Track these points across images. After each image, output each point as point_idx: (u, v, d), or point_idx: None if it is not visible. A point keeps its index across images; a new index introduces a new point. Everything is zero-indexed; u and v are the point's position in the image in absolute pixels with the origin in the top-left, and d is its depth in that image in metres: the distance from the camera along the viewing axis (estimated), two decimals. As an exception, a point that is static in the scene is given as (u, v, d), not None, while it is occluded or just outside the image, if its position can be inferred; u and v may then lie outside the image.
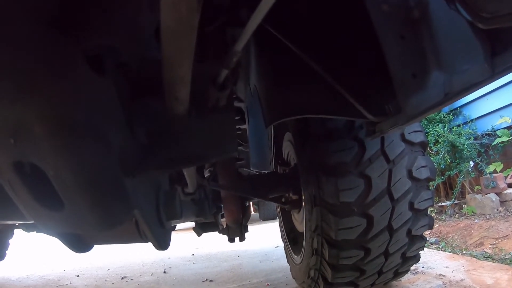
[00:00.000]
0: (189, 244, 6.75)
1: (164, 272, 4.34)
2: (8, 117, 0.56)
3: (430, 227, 1.88)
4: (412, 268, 2.92)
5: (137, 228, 0.96)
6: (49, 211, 0.68)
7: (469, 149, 6.09)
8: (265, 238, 6.45)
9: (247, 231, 2.60)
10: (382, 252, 1.80)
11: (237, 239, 2.65)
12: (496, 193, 5.60)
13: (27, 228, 1.75)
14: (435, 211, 6.28)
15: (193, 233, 3.06)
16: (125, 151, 0.73)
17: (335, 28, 1.33)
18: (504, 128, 6.05)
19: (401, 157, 1.69)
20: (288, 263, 2.76)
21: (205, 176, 2.33)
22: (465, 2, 0.73)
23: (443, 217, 6.01)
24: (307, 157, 1.79)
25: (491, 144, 6.16)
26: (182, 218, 1.12)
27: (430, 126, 6.76)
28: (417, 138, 1.76)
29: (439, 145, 6.40)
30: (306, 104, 1.42)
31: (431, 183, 5.52)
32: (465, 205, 6.00)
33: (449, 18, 1.00)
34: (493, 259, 3.63)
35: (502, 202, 5.55)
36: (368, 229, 1.70)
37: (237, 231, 2.54)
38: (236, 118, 2.75)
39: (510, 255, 3.62)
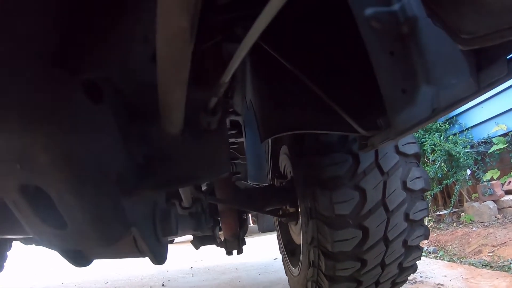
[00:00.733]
0: (188, 257, 6.74)
1: (163, 285, 4.34)
2: (14, 145, 0.60)
3: (426, 237, 1.89)
4: (410, 277, 2.93)
5: (135, 243, 0.99)
6: (52, 229, 0.72)
7: (465, 157, 6.13)
8: (264, 250, 6.44)
9: (245, 244, 2.61)
10: (378, 263, 1.81)
11: (234, 252, 2.66)
12: (493, 201, 5.63)
13: (26, 241, 1.77)
14: (433, 220, 6.30)
15: (191, 246, 3.07)
16: (122, 172, 0.77)
17: (327, 46, 1.36)
18: (500, 135, 6.10)
19: (395, 169, 1.71)
20: (286, 275, 2.77)
21: (202, 190, 2.34)
22: (445, 24, 0.76)
23: (441, 226, 6.02)
24: (303, 170, 1.81)
25: (487, 152, 6.20)
26: (178, 233, 1.15)
27: (427, 136, 6.80)
28: (411, 149, 1.78)
29: (435, 154, 6.43)
30: (300, 119, 1.44)
31: (428, 192, 5.53)
32: (463, 213, 6.02)
33: (436, 33, 1.03)
34: (491, 267, 3.64)
35: (500, 209, 5.57)
36: (363, 240, 1.71)
37: (234, 244, 2.54)
38: (233, 131, 2.77)
39: (508, 262, 3.63)
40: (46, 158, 0.61)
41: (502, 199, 5.58)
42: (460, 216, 6.06)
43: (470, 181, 6.24)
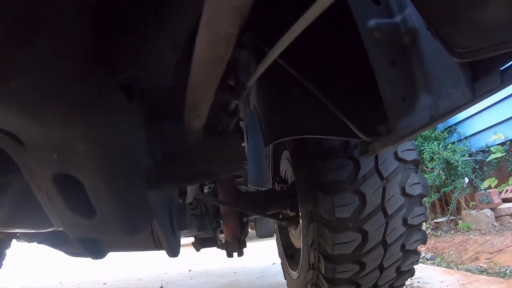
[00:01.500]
0: (186, 260, 6.75)
1: (161, 287, 4.36)
2: (54, 136, 0.65)
3: (424, 241, 1.93)
4: (407, 283, 2.97)
5: (152, 236, 1.05)
6: (81, 218, 0.77)
7: (464, 165, 6.17)
8: (262, 255, 6.46)
9: (245, 246, 2.65)
10: (377, 266, 1.85)
11: (235, 254, 2.70)
12: (491, 209, 5.66)
13: (29, 238, 1.81)
14: (431, 227, 6.33)
15: (190, 249, 3.10)
16: (147, 167, 0.83)
17: (331, 53, 1.41)
18: (498, 144, 6.14)
19: (395, 175, 1.76)
20: (285, 279, 2.80)
21: (205, 192, 2.39)
22: (442, 38, 0.81)
23: (439, 233, 6.05)
24: (304, 175, 1.85)
25: (485, 161, 6.24)
26: (190, 229, 1.20)
27: (426, 144, 6.84)
28: (410, 156, 1.82)
29: (434, 162, 6.47)
30: (303, 125, 1.49)
31: (426, 200, 5.51)
32: (461, 221, 6.06)
33: (435, 45, 1.07)
34: (488, 273, 3.67)
35: (497, 217, 5.61)
36: (363, 243, 1.75)
37: (235, 246, 2.59)
38: (240, 136, 2.81)
39: (504, 269, 3.67)
40: (83, 149, 0.66)
41: (500, 207, 5.61)
42: (457, 224, 6.09)
43: (468, 189, 6.28)
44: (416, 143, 6.84)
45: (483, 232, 5.35)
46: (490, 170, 6.22)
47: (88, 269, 6.21)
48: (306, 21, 0.50)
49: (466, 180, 6.22)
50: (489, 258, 4.23)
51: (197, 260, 6.51)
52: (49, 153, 0.66)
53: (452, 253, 4.90)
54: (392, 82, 1.14)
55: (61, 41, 0.57)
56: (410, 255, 1.91)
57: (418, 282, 3.39)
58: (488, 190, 5.82)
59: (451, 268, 4.17)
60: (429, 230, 6.20)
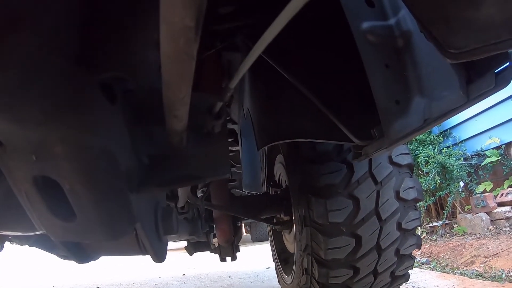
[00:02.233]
0: (180, 264, 6.73)
1: (156, 292, 4.34)
2: (32, 137, 0.63)
3: (418, 246, 1.92)
4: (402, 287, 2.95)
5: (137, 240, 1.03)
6: (61, 221, 0.75)
7: (459, 169, 6.18)
8: (256, 259, 6.44)
9: (239, 251, 2.63)
10: (371, 271, 1.83)
11: (228, 258, 2.68)
12: (486, 212, 5.67)
13: (21, 241, 1.79)
14: (426, 231, 6.33)
15: (184, 253, 3.08)
16: (130, 170, 0.81)
17: (324, 57, 1.39)
18: (493, 148, 6.16)
19: (389, 179, 1.74)
20: (279, 283, 2.79)
21: (198, 196, 2.37)
22: (435, 39, 0.79)
23: (434, 237, 6.05)
24: (298, 179, 1.84)
25: (480, 164, 6.25)
26: (177, 234, 1.18)
27: (421, 148, 6.85)
28: (404, 160, 1.81)
29: (429, 166, 6.48)
30: (296, 128, 1.48)
31: (421, 204, 5.53)
32: (456, 225, 6.06)
33: (429, 48, 1.06)
34: (483, 277, 3.67)
35: (492, 221, 5.61)
36: (356, 248, 1.74)
37: (228, 250, 2.57)
38: (229, 140, 2.80)
39: (500, 273, 3.66)
40: (61, 151, 0.64)
41: (495, 211, 5.62)
42: (453, 228, 6.09)
43: (463, 193, 6.28)
44: (411, 147, 6.85)
45: (478, 236, 5.35)
46: (485, 174, 6.23)
47: (82, 272, 6.18)
48: (286, 17, 0.49)
49: (461, 184, 6.23)
50: (484, 262, 4.22)
51: (191, 264, 6.49)
52: (27, 155, 0.65)
53: (447, 257, 4.89)
54: (386, 85, 1.13)
55: (38, 39, 0.55)
56: (405, 260, 1.90)
57: (413, 287, 3.38)
58: (483, 194, 5.83)
59: (446, 272, 4.16)
60: (424, 234, 6.20)
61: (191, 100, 0.67)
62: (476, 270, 4.01)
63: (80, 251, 1.04)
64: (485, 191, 6.04)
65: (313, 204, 1.72)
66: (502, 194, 5.76)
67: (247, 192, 3.01)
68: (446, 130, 7.11)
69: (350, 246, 1.73)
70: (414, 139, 6.55)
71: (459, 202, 6.41)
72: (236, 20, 1.51)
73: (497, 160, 5.98)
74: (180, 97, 0.62)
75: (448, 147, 6.76)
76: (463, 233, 5.73)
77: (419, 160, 6.66)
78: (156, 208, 1.03)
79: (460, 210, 6.31)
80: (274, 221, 2.50)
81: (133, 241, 1.03)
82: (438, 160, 6.31)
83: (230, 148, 2.96)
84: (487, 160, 6.08)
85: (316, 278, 1.84)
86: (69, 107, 0.63)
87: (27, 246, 1.72)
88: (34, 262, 7.92)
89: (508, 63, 0.87)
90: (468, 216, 5.83)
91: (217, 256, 2.70)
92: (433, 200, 6.56)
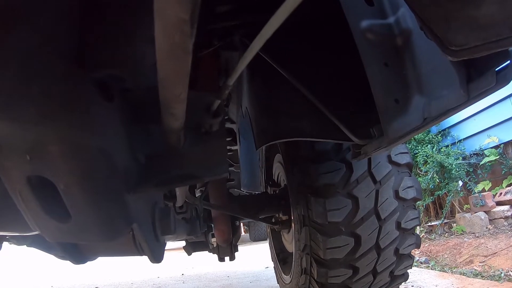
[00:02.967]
0: (179, 264, 6.72)
1: (154, 292, 4.33)
2: (26, 137, 0.62)
3: (417, 245, 1.91)
4: (401, 286, 2.94)
5: (134, 241, 1.02)
6: (56, 222, 0.74)
7: (457, 169, 6.18)
8: (255, 258, 6.44)
9: (237, 250, 2.62)
10: (370, 270, 1.83)
11: (227, 258, 2.67)
12: (485, 212, 5.67)
13: (19, 241, 1.78)
14: (425, 230, 6.33)
15: (182, 253, 3.06)
16: (127, 170, 0.80)
17: (323, 55, 1.39)
18: (491, 147, 6.16)
19: (388, 178, 1.74)
20: (278, 283, 2.78)
21: (197, 195, 2.36)
22: (436, 36, 0.79)
23: (433, 236, 6.05)
24: (297, 178, 1.83)
25: (479, 164, 6.26)
26: (175, 234, 1.17)
27: (419, 147, 6.85)
28: (403, 159, 1.80)
29: (428, 165, 6.48)
30: (295, 127, 1.47)
31: (420, 203, 5.53)
32: (455, 224, 6.06)
33: (429, 46, 1.05)
34: (482, 277, 3.66)
35: (491, 220, 5.61)
36: (356, 248, 1.73)
37: (227, 250, 2.56)
38: (228, 139, 2.79)
39: (499, 272, 3.66)
40: (56, 150, 0.63)
41: (493, 210, 5.62)
42: (451, 227, 6.09)
43: (462, 192, 6.29)
44: (410, 146, 6.85)
45: (477, 235, 5.35)
46: (484, 173, 6.23)
47: (80, 272, 6.17)
48: (283, 14, 0.48)
49: (460, 183, 6.23)
50: (483, 261, 4.22)
51: (190, 264, 6.49)
52: (22, 154, 0.64)
53: (446, 256, 4.89)
54: (385, 83, 1.13)
55: (34, 38, 0.54)
56: (404, 259, 1.89)
57: (412, 286, 3.37)
58: (482, 193, 5.83)
59: (445, 271, 4.16)
60: (423, 234, 6.19)
61: (188, 98, 0.66)
62: (475, 269, 4.00)
63: (77, 252, 1.03)
64: (483, 190, 6.04)
65: (312, 203, 1.71)
66: (501, 193, 5.76)
67: (246, 192, 3.00)
68: (444, 129, 7.11)
69: (349, 246, 1.73)
70: (412, 138, 6.55)
71: (458, 201, 6.41)
72: (233, 18, 1.50)
73: (495, 159, 5.98)
74: (177, 95, 0.61)
75: (447, 146, 6.77)
76: (462, 232, 5.73)
77: (417, 160, 6.66)
78: (153, 208, 1.02)
79: (459, 209, 6.31)
80: (273, 220, 2.49)
81: (130, 242, 1.02)
82: (436, 159, 6.31)
83: (228, 147, 2.95)
84: (486, 159, 6.09)
85: (315, 278, 1.84)
86: (65, 105, 0.62)
87: (24, 246, 1.71)
88: (33, 262, 7.91)
89: (508, 62, 0.87)
90: (467, 215, 5.83)
91: (215, 256, 2.69)
92: (431, 199, 6.56)
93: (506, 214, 5.49)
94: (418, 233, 5.45)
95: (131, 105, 0.83)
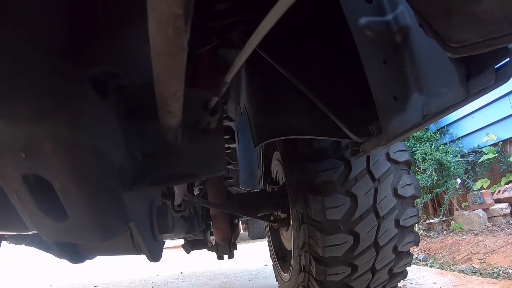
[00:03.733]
0: (178, 262, 6.73)
1: (153, 290, 4.33)
2: (21, 134, 0.61)
3: (416, 243, 1.91)
4: (400, 284, 2.95)
5: (131, 240, 1.01)
6: (52, 221, 0.73)
7: (456, 166, 6.18)
8: (254, 256, 6.44)
9: (236, 248, 2.62)
10: (369, 268, 1.83)
11: (225, 256, 2.67)
12: (483, 209, 5.67)
13: (17, 240, 1.78)
14: (424, 228, 6.34)
15: (181, 251, 3.06)
16: (123, 168, 0.79)
17: (322, 53, 1.38)
18: (490, 145, 6.16)
19: (387, 176, 1.73)
20: (277, 281, 2.78)
21: (195, 193, 2.36)
22: (436, 33, 0.78)
23: (432, 234, 6.06)
24: (295, 176, 1.83)
25: (477, 161, 6.26)
26: (173, 233, 1.17)
27: (418, 145, 6.85)
28: (402, 157, 1.80)
29: (426, 163, 6.48)
30: (293, 125, 1.46)
31: (418, 201, 5.53)
32: (453, 221, 6.07)
33: (428, 43, 1.05)
34: (481, 274, 3.67)
35: (490, 218, 5.62)
36: (354, 246, 1.73)
37: (226, 248, 2.56)
38: (226, 137, 2.79)
39: (497, 269, 3.66)
40: (50, 148, 0.63)
41: (492, 207, 5.63)
42: (450, 225, 6.10)
43: (460, 190, 6.29)
44: (408, 144, 6.85)
45: (475, 232, 5.36)
46: (483, 171, 6.24)
47: (79, 271, 6.17)
48: (281, 8, 0.47)
49: (459, 181, 6.24)
50: (482, 259, 4.23)
51: (189, 262, 6.49)
52: (16, 152, 0.63)
53: (444, 254, 4.90)
54: (384, 81, 1.12)
55: (26, 33, 0.53)
56: (403, 257, 1.89)
57: (411, 284, 3.37)
58: (480, 191, 5.83)
59: (444, 269, 4.16)
60: (422, 231, 6.20)
61: (186, 95, 0.65)
62: (474, 267, 4.01)
63: (74, 251, 1.03)
64: (482, 188, 6.04)
65: (311, 201, 1.71)
66: (499, 191, 5.77)
67: (244, 190, 3.00)
68: (443, 127, 7.12)
69: (348, 244, 1.72)
70: (411, 136, 6.56)
71: (456, 199, 6.42)
72: (232, 16, 1.49)
73: (494, 157, 5.99)
74: (173, 92, 0.60)
75: (445, 144, 6.77)
76: (460, 229, 5.74)
77: (416, 157, 6.66)
78: (151, 206, 1.01)
79: (457, 207, 6.32)
80: (272, 218, 2.49)
81: (127, 241, 1.02)
82: (435, 157, 6.32)
83: (227, 145, 2.95)
84: (484, 157, 6.09)
85: (314, 276, 1.83)
86: (59, 102, 0.61)
87: (23, 245, 1.71)
88: (32, 261, 7.90)
89: (508, 59, 0.86)
90: (465, 213, 5.84)
91: (214, 254, 2.69)
92: (430, 197, 6.57)
93: (504, 212, 5.49)
94: (416, 230, 5.47)
95: (127, 102, 0.82)
